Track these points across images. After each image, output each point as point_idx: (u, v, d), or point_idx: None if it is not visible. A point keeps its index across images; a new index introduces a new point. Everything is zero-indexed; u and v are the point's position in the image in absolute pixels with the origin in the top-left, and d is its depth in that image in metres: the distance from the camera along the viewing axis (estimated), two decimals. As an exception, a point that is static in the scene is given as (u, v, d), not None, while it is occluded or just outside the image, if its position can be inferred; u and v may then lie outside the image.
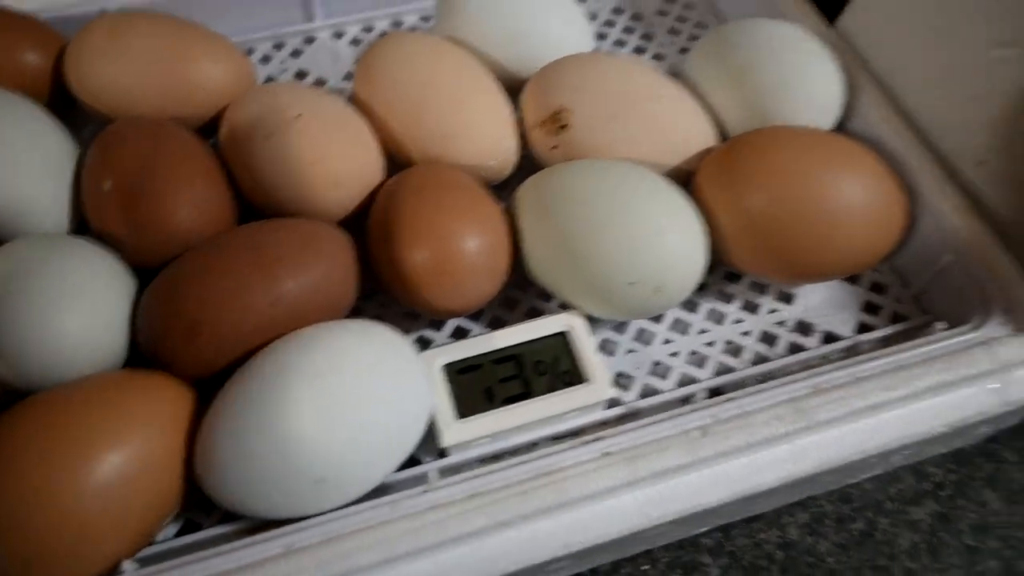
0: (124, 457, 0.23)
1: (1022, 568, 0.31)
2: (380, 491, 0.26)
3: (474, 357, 0.28)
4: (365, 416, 0.23)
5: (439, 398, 0.27)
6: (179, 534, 0.27)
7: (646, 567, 0.31)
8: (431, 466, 0.27)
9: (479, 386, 0.27)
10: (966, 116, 0.33)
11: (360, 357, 0.24)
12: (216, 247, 0.26)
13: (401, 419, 0.24)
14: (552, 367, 0.28)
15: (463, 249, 0.27)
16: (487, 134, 0.31)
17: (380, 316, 0.32)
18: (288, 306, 0.26)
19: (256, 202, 0.30)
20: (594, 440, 0.25)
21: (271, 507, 0.23)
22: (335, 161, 0.29)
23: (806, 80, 0.32)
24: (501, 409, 0.27)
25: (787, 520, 0.32)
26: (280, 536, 0.23)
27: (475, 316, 0.32)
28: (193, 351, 0.25)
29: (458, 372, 0.27)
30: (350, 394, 0.23)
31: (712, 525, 0.31)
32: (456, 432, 0.26)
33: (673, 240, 0.27)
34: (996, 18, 0.30)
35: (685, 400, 0.29)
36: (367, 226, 0.29)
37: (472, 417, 0.26)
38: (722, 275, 0.33)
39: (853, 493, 0.33)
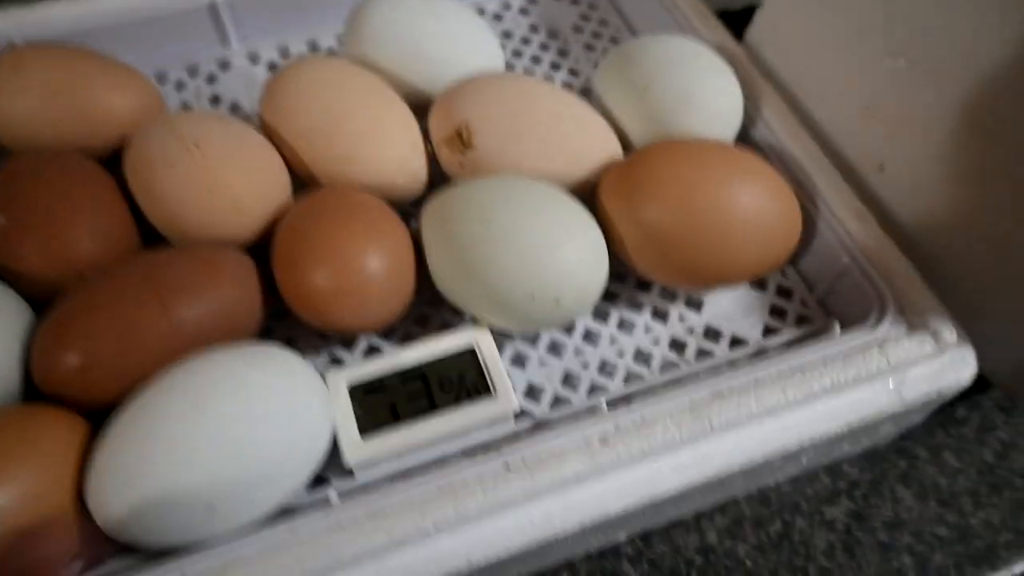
0: (13, 494, 0.22)
1: (935, 563, 0.32)
2: (286, 514, 0.26)
3: (380, 377, 0.28)
4: (255, 439, 0.23)
5: (343, 418, 0.27)
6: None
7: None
8: (334, 487, 0.27)
9: (385, 404, 0.27)
10: (865, 124, 0.34)
11: (249, 380, 0.23)
12: (110, 277, 0.26)
13: (296, 441, 0.24)
14: (458, 383, 0.28)
15: (365, 269, 0.27)
16: (394, 155, 0.31)
17: (292, 336, 0.32)
18: (187, 335, 0.26)
19: (163, 231, 0.30)
20: (496, 454, 0.25)
21: (163, 536, 0.23)
22: (236, 187, 0.29)
23: (706, 93, 0.33)
24: (405, 426, 0.27)
25: (706, 524, 0.33)
26: (174, 567, 0.23)
27: (387, 332, 0.32)
28: (87, 384, 0.25)
29: (364, 392, 0.27)
30: (238, 417, 0.23)
31: (631, 532, 0.32)
32: (359, 451, 0.26)
33: (570, 253, 0.27)
34: (888, 30, 0.31)
35: (594, 411, 0.29)
36: (271, 249, 0.29)
37: (376, 435, 0.26)
38: (633, 284, 0.33)
39: (771, 495, 0.34)
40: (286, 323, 0.32)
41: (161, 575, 0.23)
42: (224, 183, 0.29)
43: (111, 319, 0.25)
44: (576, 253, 0.27)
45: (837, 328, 0.29)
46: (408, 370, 0.28)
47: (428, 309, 0.33)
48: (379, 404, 0.27)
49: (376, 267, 0.27)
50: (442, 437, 0.27)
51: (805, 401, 0.27)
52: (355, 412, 0.27)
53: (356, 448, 0.26)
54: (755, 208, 0.28)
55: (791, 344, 0.31)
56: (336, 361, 0.31)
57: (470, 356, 0.28)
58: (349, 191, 0.30)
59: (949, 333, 0.28)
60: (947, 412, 0.36)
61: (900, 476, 0.34)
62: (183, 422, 0.22)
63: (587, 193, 0.31)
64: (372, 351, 0.32)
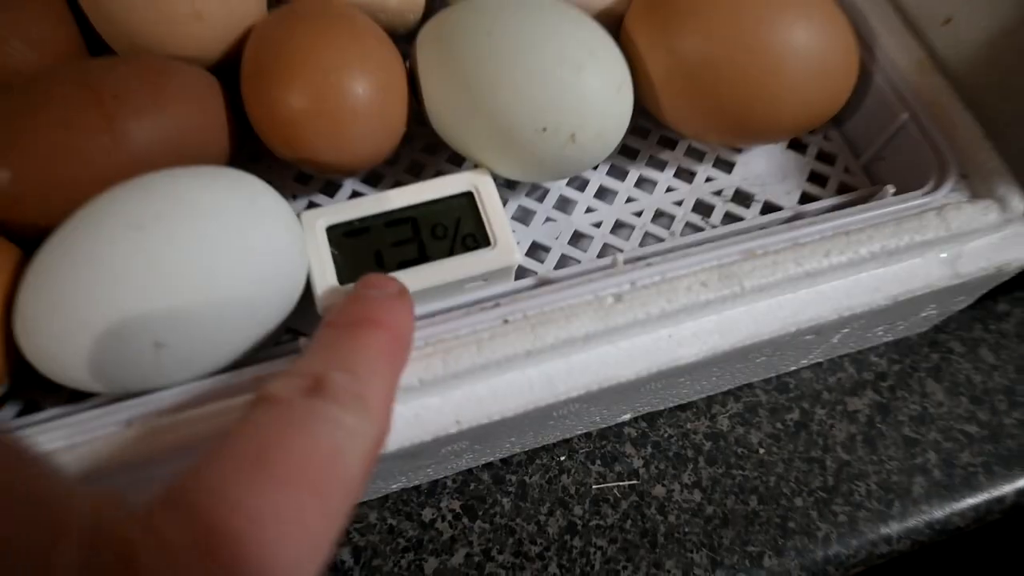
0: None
1: (962, 461, 0.29)
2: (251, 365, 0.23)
3: (363, 219, 0.24)
4: (210, 270, 0.19)
5: (320, 262, 0.23)
6: (19, 415, 0.23)
7: (563, 458, 0.29)
8: (307, 340, 0.23)
9: (367, 250, 0.24)
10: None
11: (203, 201, 0.20)
12: (37, 85, 0.22)
13: (260, 277, 0.20)
14: (453, 230, 0.24)
15: (347, 88, 0.23)
16: (387, -33, 0.27)
17: (267, 181, 0.28)
18: (131, 155, 0.22)
19: (112, 44, 0.26)
20: (493, 306, 0.22)
21: (106, 378, 0.20)
22: (197, -14, 0.24)
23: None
24: (392, 274, 0.23)
25: (718, 410, 0.30)
26: (117, 410, 0.20)
27: (374, 181, 0.28)
28: (16, 203, 0.21)
29: (344, 235, 0.24)
30: (189, 243, 0.19)
31: (636, 412, 0.29)
32: (335, 298, 0.23)
33: (592, 78, 0.23)
34: None
35: (608, 268, 0.26)
36: (240, 67, 0.25)
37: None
38: (656, 140, 0.29)
39: (790, 382, 0.31)
40: (261, 166, 0.28)
41: (101, 418, 0.20)
42: (183, -19, 0.24)
43: (41, 134, 0.21)
44: (599, 77, 0.23)
45: (890, 190, 0.25)
46: (396, 213, 0.24)
47: (423, 157, 0.29)
48: (361, 249, 0.24)
49: (361, 88, 0.23)
50: (433, 288, 0.23)
51: (849, 267, 0.23)
52: (333, 256, 0.23)
53: (333, 295, 0.23)
54: (811, 42, 0.24)
55: (830, 211, 0.28)
56: (317, 207, 0.28)
57: (467, 201, 0.25)
58: (332, 2, 0.25)
59: (1018, 202, 0.25)
60: (987, 306, 0.33)
61: (931, 370, 0.31)
62: (123, 245, 0.19)
63: (613, 26, 0.27)
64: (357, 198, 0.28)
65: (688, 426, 0.29)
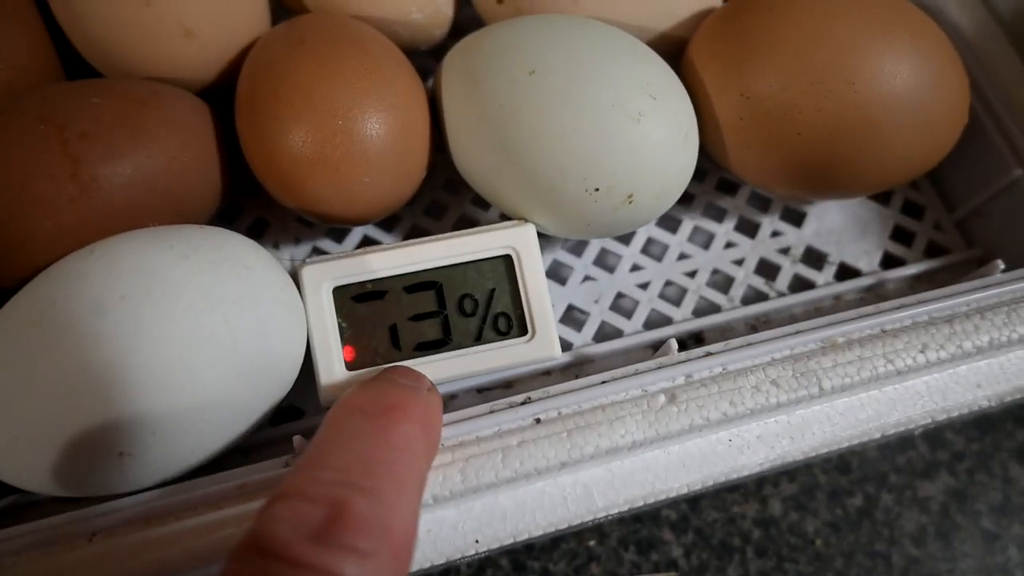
0: None
1: (1046, 557, 0.26)
2: (238, 454, 0.20)
3: (378, 280, 0.20)
4: (187, 369, 0.16)
5: (324, 337, 0.19)
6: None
7: (592, 543, 0.25)
8: (304, 424, 0.20)
9: (381, 322, 0.20)
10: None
11: (179, 277, 0.16)
12: (-3, 112, 0.18)
13: (250, 373, 0.17)
14: (484, 307, 0.20)
15: (354, 129, 0.19)
16: (409, -23, 0.23)
17: (264, 219, 0.25)
18: (102, 204, 0.19)
19: (93, 63, 0.22)
20: (523, 403, 0.18)
21: (68, 487, 0.17)
22: (188, 1, 0.20)
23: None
24: (408, 361, 0.20)
25: (769, 491, 0.26)
26: (81, 518, 0.17)
27: (388, 224, 0.24)
28: (-35, 260, 0.18)
29: (354, 299, 0.20)
30: (162, 337, 0.16)
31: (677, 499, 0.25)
32: (341, 387, 0.19)
33: (654, 128, 0.19)
34: None
35: (654, 347, 0.22)
36: (235, 97, 0.21)
37: (367, 370, 0.19)
38: (714, 183, 0.25)
39: (853, 461, 0.27)
40: (259, 202, 0.25)
41: (62, 526, 0.17)
42: (169, -6, 0.20)
43: (-4, 174, 0.18)
44: (663, 127, 0.19)
45: (999, 265, 0.21)
46: (418, 275, 0.20)
47: (444, 196, 0.25)
48: (373, 320, 0.20)
49: (375, 130, 0.19)
50: (454, 379, 0.20)
51: (950, 363, 0.20)
52: (341, 329, 0.20)
53: (337, 382, 0.19)
54: (917, 86, 0.20)
55: (919, 280, 0.24)
56: (323, 253, 0.24)
57: (504, 268, 0.21)
58: (344, 19, 0.21)
59: None
60: (1081, 376, 0.29)
61: (1015, 450, 0.27)
62: (82, 336, 0.15)
63: (672, 49, 0.23)
64: (368, 246, 0.24)
65: (735, 510, 0.26)
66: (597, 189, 0.19)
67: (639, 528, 0.26)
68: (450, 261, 0.20)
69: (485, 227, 0.21)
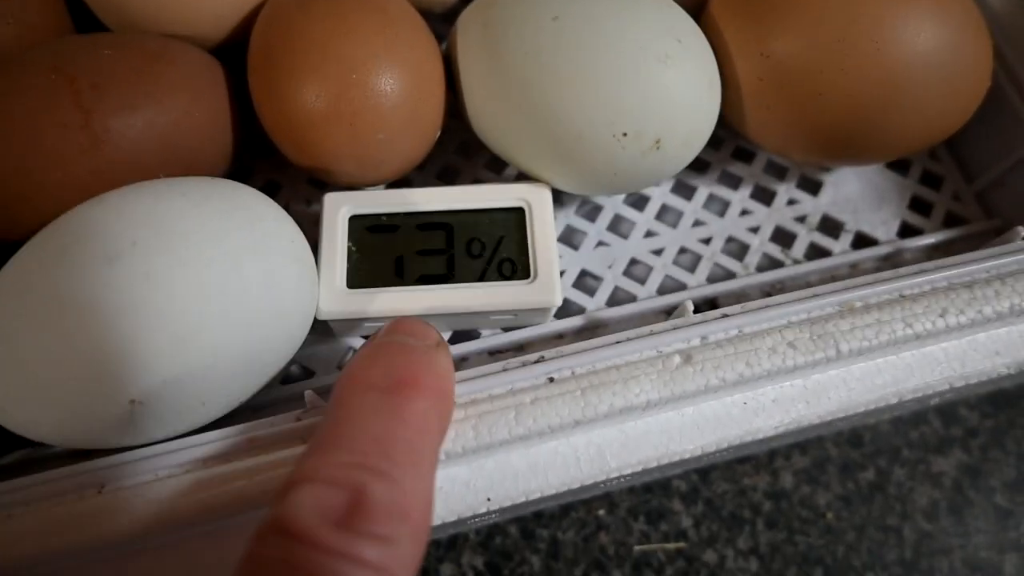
0: None
1: (1060, 534, 0.25)
2: (252, 412, 0.20)
3: (393, 215, 0.21)
4: (199, 317, 0.16)
5: (332, 257, 0.20)
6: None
7: (601, 512, 0.25)
8: (315, 383, 0.20)
9: (388, 253, 0.20)
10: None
11: (193, 229, 0.16)
12: (5, 70, 0.18)
13: (261, 324, 0.17)
14: (491, 251, 0.20)
15: (369, 84, 0.19)
16: (425, -67, 0.22)
17: (276, 181, 0.24)
18: (113, 157, 0.18)
19: (105, 21, 0.22)
20: (536, 361, 0.18)
21: (78, 437, 0.16)
22: (200, -47, 0.20)
23: None
24: (409, 288, 0.20)
25: (781, 464, 0.26)
26: (90, 469, 0.17)
27: (403, 186, 0.24)
28: (-27, 212, 0.18)
29: (367, 230, 0.20)
30: (173, 284, 0.16)
31: (688, 467, 0.25)
32: (338, 303, 0.19)
33: (682, 70, 0.19)
34: None
35: (667, 313, 0.22)
36: (248, 53, 0.21)
37: (366, 290, 0.19)
38: (730, 151, 0.25)
39: (865, 435, 0.27)
40: (272, 163, 0.25)
41: (72, 477, 0.16)
42: (183, -53, 0.20)
43: (7, 122, 0.18)
44: (689, 70, 0.19)
45: (1020, 231, 0.21)
46: (431, 215, 0.21)
47: (457, 160, 0.25)
48: (382, 250, 0.20)
49: (390, 86, 0.19)
50: (455, 315, 0.20)
51: (969, 329, 0.19)
52: (349, 251, 0.20)
53: (336, 299, 0.19)
54: (941, 46, 0.19)
55: (936, 250, 0.23)
56: (331, 217, 0.24)
57: (516, 219, 0.21)
58: (357, -24, 0.21)
59: None
60: (1097, 354, 0.28)
61: (1030, 427, 0.27)
62: (92, 282, 0.15)
63: (693, 11, 0.22)
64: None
65: (746, 481, 0.26)
66: (625, 134, 0.19)
67: (649, 498, 0.25)
68: (464, 206, 0.21)
69: (501, 183, 0.21)
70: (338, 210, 0.20)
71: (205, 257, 0.16)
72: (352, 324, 0.20)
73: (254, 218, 0.17)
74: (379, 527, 0.12)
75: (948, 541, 0.25)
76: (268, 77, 0.20)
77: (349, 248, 0.20)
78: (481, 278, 0.20)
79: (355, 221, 0.20)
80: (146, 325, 0.15)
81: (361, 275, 0.20)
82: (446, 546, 0.25)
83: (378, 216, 0.20)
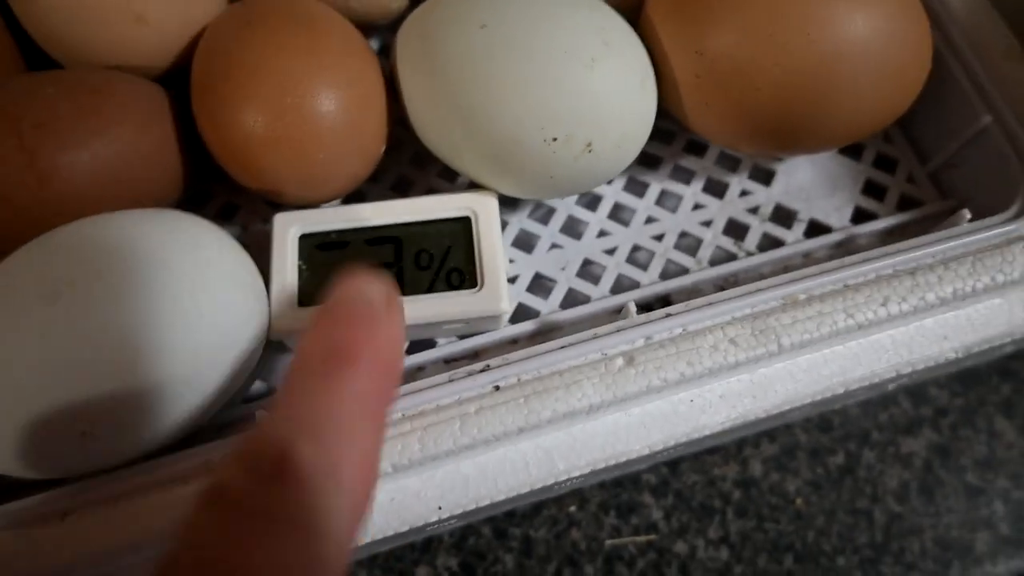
0: None
1: (1033, 510, 0.25)
2: (214, 431, 0.20)
3: (342, 231, 0.21)
4: (143, 348, 0.16)
5: (283, 276, 0.20)
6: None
7: (573, 508, 0.26)
8: (264, 404, 0.20)
9: (339, 269, 0.20)
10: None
11: (130, 264, 0.17)
12: (-49, 108, 0.19)
13: (210, 352, 0.17)
14: (439, 261, 0.21)
15: (307, 108, 0.19)
16: (361, -51, 0.23)
17: (233, 203, 0.25)
18: (62, 192, 0.19)
19: (52, 53, 0.22)
20: (482, 370, 0.19)
21: (31, 466, 0.17)
22: (136, -16, 0.21)
23: None
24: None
25: (750, 452, 0.26)
26: (50, 500, 0.17)
27: (354, 201, 0.25)
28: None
29: (317, 247, 0.21)
30: (115, 318, 0.16)
31: (655, 461, 0.26)
32: (290, 321, 0.20)
33: (608, 72, 0.19)
34: None
35: (619, 312, 0.22)
36: (190, 81, 0.21)
37: (318, 307, 0.20)
38: (682, 145, 0.25)
39: (833, 420, 0.27)
40: (227, 186, 0.25)
41: (34, 509, 0.17)
42: (119, -20, 0.20)
43: (-47, 167, 0.18)
44: (617, 71, 0.19)
45: (965, 215, 0.21)
46: (380, 230, 0.21)
47: (410, 171, 0.25)
48: (333, 266, 0.21)
49: (327, 107, 0.20)
50: (408, 327, 0.20)
51: (912, 315, 0.19)
52: (300, 270, 0.20)
53: (288, 317, 0.20)
54: (874, 35, 0.19)
55: (891, 235, 0.23)
56: (289, 233, 0.24)
57: (462, 228, 0.21)
58: (296, -3, 0.21)
59: None
60: (1070, 326, 0.28)
61: (1001, 404, 0.27)
62: (33, 321, 0.16)
63: (629, 13, 0.22)
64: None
65: (715, 472, 0.26)
66: (555, 139, 0.19)
67: (619, 492, 0.26)
68: (412, 219, 0.21)
69: (447, 193, 0.21)
70: (287, 230, 0.21)
71: (147, 290, 0.16)
72: None
73: (198, 247, 0.18)
74: (307, 482, 0.12)
75: (919, 521, 0.25)
76: (209, 105, 0.20)
77: (300, 267, 0.20)
78: (429, 289, 0.20)
79: (305, 240, 0.21)
80: (90, 360, 0.16)
81: (312, 293, 0.20)
82: (420, 548, 0.25)
83: (327, 234, 0.21)
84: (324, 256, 0.21)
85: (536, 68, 0.19)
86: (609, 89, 0.19)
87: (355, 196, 0.25)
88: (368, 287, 0.15)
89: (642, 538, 0.25)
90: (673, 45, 0.21)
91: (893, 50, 0.20)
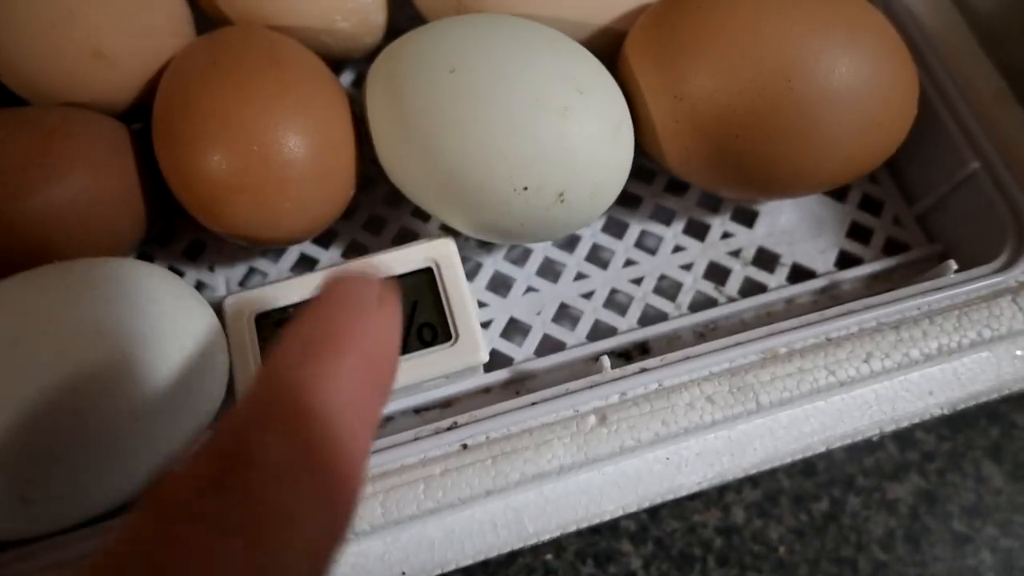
0: None
1: None
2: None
3: (301, 304, 0.20)
4: (91, 402, 0.16)
5: (245, 362, 0.19)
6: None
7: (549, 556, 0.25)
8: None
9: None
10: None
11: (83, 314, 0.16)
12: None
13: (164, 409, 0.17)
14: (407, 319, 0.20)
15: (271, 154, 0.19)
16: (333, -17, 0.22)
17: (200, 242, 0.24)
18: (16, 240, 0.18)
19: (16, 91, 0.22)
20: (449, 428, 0.18)
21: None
22: (96, 21, 0.20)
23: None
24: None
25: (732, 498, 0.26)
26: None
27: (326, 241, 0.24)
28: None
29: (276, 325, 0.20)
30: (65, 372, 0.15)
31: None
32: None
33: (581, 121, 0.18)
34: None
35: (596, 359, 0.22)
36: (152, 120, 0.21)
37: None
38: (663, 185, 0.24)
39: (818, 464, 0.26)
40: (194, 223, 0.24)
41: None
42: (79, 15, 0.20)
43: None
44: (590, 120, 0.18)
45: (952, 266, 0.20)
46: None
47: (384, 209, 0.24)
48: None
49: (292, 152, 0.19)
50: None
51: (895, 371, 0.19)
52: (263, 351, 0.19)
53: None
54: (859, 82, 0.19)
55: (876, 280, 0.23)
56: (259, 274, 0.24)
57: (426, 280, 0.20)
58: (261, 35, 0.21)
59: (1117, 281, 0.19)
60: (1060, 367, 0.27)
61: (989, 448, 0.26)
62: (-21, 378, 0.15)
63: (607, 54, 0.22)
64: (305, 263, 0.24)
65: (696, 518, 0.25)
66: (526, 188, 0.18)
67: (597, 540, 0.25)
68: None
69: (403, 245, 0.20)
70: (242, 314, 0.20)
71: (89, 350, 0.16)
72: None
73: (147, 301, 0.17)
74: (270, 485, 0.10)
75: (904, 571, 0.25)
76: (170, 147, 0.19)
77: (262, 348, 0.19)
78: (403, 351, 0.20)
79: (262, 320, 0.20)
80: (34, 424, 0.15)
81: None
82: (391, 599, 0.24)
83: (284, 310, 0.20)
84: None
85: (506, 116, 0.18)
86: (583, 138, 0.18)
87: (327, 236, 0.24)
88: (360, 279, 0.13)
89: (620, 588, 0.24)
90: (651, 88, 0.20)
91: (879, 97, 0.19)
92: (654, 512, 0.25)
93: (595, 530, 0.25)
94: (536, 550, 0.25)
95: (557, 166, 0.18)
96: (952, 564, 0.25)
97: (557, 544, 0.25)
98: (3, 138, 0.18)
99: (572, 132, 0.18)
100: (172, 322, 0.17)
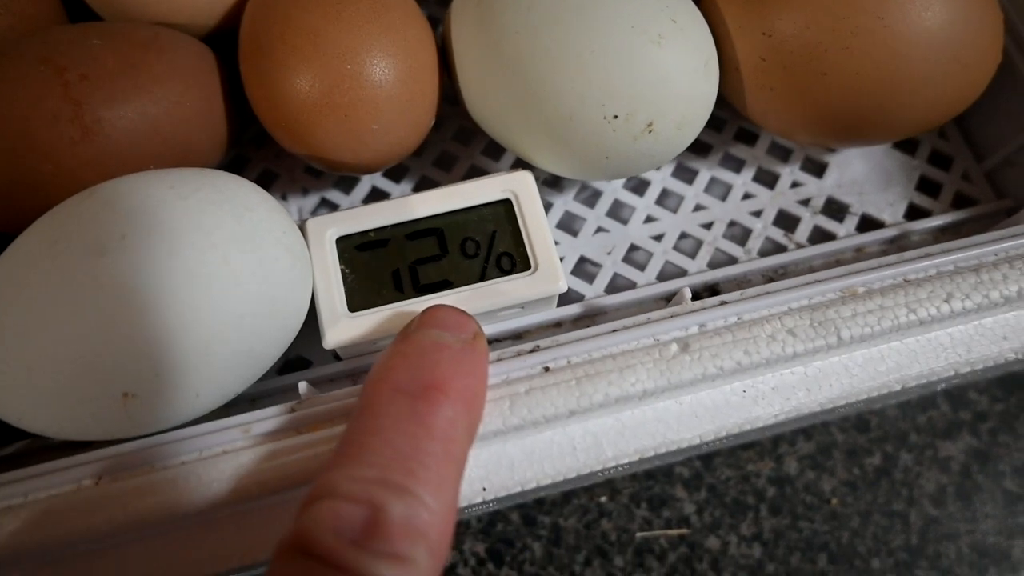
0: None
1: (1070, 520, 0.25)
2: (248, 402, 0.20)
3: (380, 229, 0.20)
4: (186, 304, 0.16)
5: (327, 283, 0.19)
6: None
7: (603, 498, 0.25)
8: (310, 373, 0.20)
9: (384, 269, 0.20)
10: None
11: (181, 221, 0.16)
12: (-3, 55, 0.18)
13: (254, 315, 0.17)
14: (486, 247, 0.20)
15: (363, 74, 0.19)
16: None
17: (272, 172, 0.24)
18: (104, 148, 0.18)
19: (99, 11, 0.22)
20: (532, 351, 0.18)
21: (71, 428, 0.16)
22: (187, -62, 0.20)
23: None
24: (411, 301, 0.19)
25: (785, 450, 0.26)
26: (87, 460, 0.17)
27: (396, 175, 0.24)
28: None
29: (357, 248, 0.20)
30: (163, 276, 0.15)
31: (689, 454, 0.25)
32: (344, 330, 0.19)
33: (675, 51, 0.18)
34: None
35: (667, 299, 0.22)
36: (239, 41, 0.21)
37: (369, 311, 0.19)
38: (732, 133, 0.24)
39: (872, 420, 0.26)
40: (267, 151, 0.24)
41: (68, 470, 0.17)
42: (170, -66, 0.20)
43: (-4, 115, 0.17)
44: (683, 50, 0.18)
45: (1028, 214, 0.20)
46: (419, 223, 0.20)
47: (454, 146, 0.24)
48: (376, 267, 0.20)
49: (383, 75, 0.19)
50: None
51: (976, 313, 0.19)
52: (343, 275, 0.20)
53: (340, 325, 0.19)
54: (949, 20, 0.19)
55: (945, 232, 0.23)
56: (332, 206, 0.24)
57: (504, 211, 0.20)
58: (349, -40, 0.21)
59: None
60: (1113, 336, 0.28)
61: (1041, 411, 0.27)
62: (80, 277, 0.15)
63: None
64: (376, 197, 0.24)
65: (750, 468, 0.26)
66: (616, 116, 0.18)
67: (651, 485, 0.25)
68: (450, 207, 0.20)
69: (481, 177, 0.21)
70: (323, 235, 0.20)
71: (194, 249, 0.16)
72: (361, 348, 0.20)
73: (244, 209, 0.17)
74: (396, 546, 0.12)
75: (955, 526, 0.25)
76: (259, 67, 0.19)
77: (343, 271, 0.20)
78: (482, 278, 0.20)
79: (343, 242, 0.20)
80: (137, 318, 0.15)
81: (360, 297, 0.19)
82: (448, 533, 0.25)
83: (365, 233, 0.20)
84: (366, 257, 0.20)
85: (601, 42, 0.18)
86: (675, 68, 0.18)
87: (397, 171, 0.24)
88: (454, 318, 0.15)
89: (674, 532, 0.25)
90: (739, 25, 0.20)
91: (968, 39, 0.19)
92: (708, 459, 0.26)
93: (649, 475, 0.25)
94: (591, 491, 0.25)
95: (649, 94, 0.18)
96: (1003, 522, 0.25)
97: (611, 486, 0.25)
98: (100, 46, 0.19)
99: (666, 60, 0.18)
100: (268, 231, 0.17)
